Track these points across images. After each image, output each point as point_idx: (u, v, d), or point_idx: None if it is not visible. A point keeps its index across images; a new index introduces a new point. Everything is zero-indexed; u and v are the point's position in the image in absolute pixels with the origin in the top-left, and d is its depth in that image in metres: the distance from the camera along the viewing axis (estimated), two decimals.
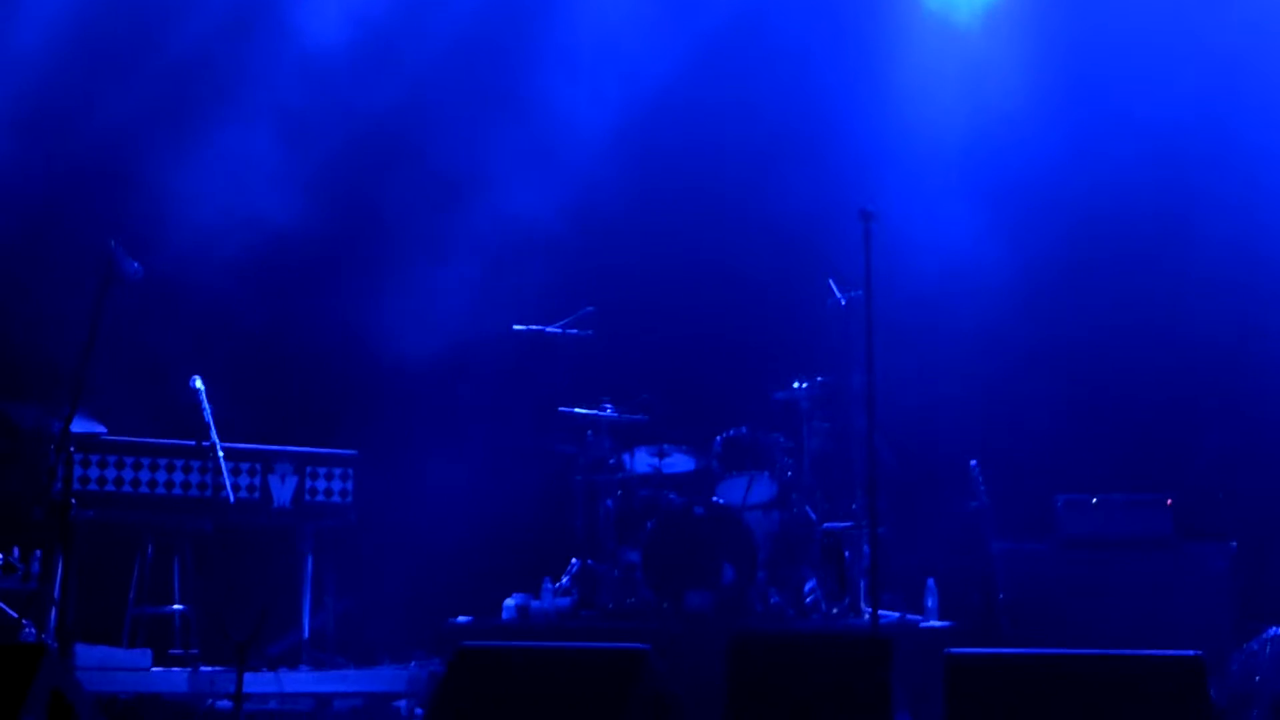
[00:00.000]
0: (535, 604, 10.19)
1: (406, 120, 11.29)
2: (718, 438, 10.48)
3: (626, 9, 11.26)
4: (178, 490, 9.76)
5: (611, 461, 10.51)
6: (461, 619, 10.01)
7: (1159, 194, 11.05)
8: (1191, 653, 6.46)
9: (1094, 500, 10.02)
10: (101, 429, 9.52)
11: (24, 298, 10.38)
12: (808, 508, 10.36)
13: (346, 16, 11.11)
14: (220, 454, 9.57)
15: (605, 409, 10.55)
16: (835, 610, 9.97)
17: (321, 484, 10.14)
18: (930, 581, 9.92)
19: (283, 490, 10.03)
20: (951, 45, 11.21)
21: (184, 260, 10.37)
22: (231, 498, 9.62)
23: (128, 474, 9.70)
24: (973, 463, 10.04)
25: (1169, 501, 9.95)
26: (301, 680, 9.54)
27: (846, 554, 10.09)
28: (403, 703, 9.49)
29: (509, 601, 10.19)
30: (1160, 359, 10.92)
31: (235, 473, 9.80)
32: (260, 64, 10.99)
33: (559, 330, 10.69)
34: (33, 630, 8.82)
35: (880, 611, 8.66)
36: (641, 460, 10.49)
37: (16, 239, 10.59)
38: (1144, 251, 11.10)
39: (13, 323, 10.35)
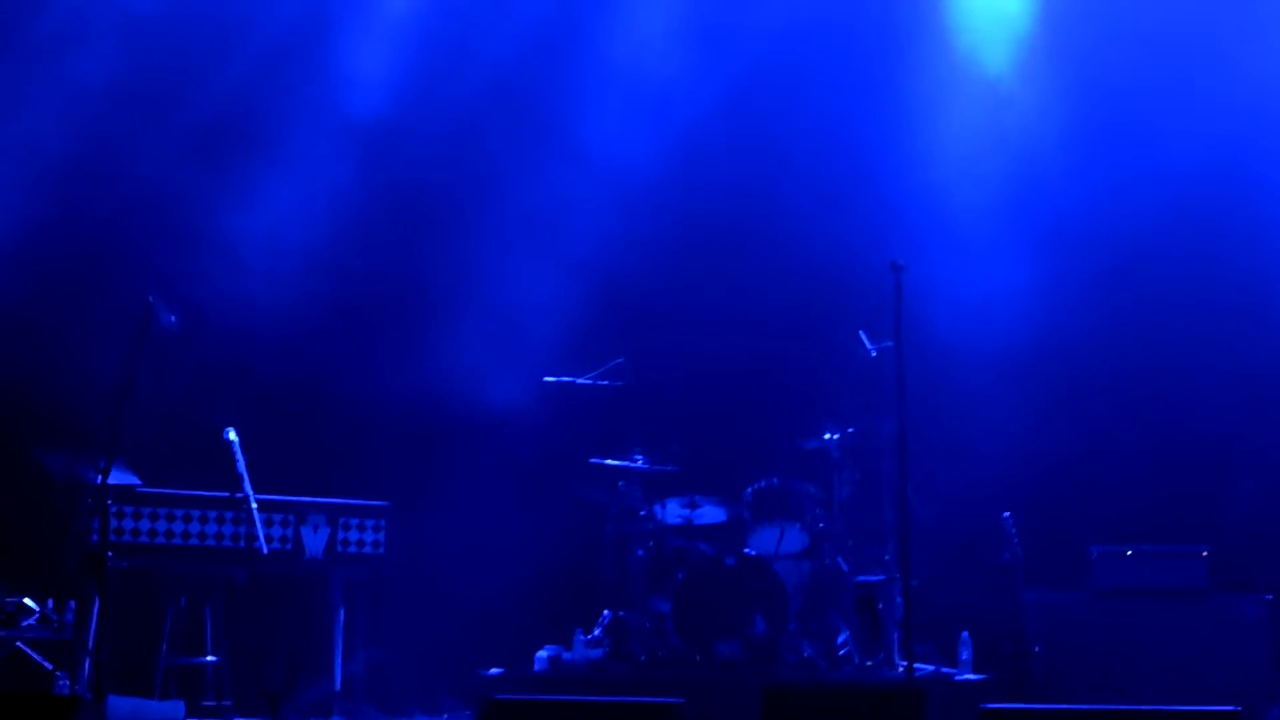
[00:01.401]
0: (567, 655, 10.19)
1: (437, 174, 11.38)
2: (749, 488, 10.46)
3: (660, 59, 11.33)
4: (211, 541, 9.78)
5: (643, 512, 10.51)
6: (493, 670, 10.00)
7: (1190, 243, 11.01)
8: (1231, 708, 6.39)
9: (1128, 551, 9.97)
10: (136, 480, 9.57)
11: (61, 347, 10.45)
12: (839, 558, 10.33)
13: (386, 70, 11.23)
14: (253, 505, 9.60)
15: (636, 459, 10.55)
16: (869, 662, 9.92)
17: (354, 535, 10.16)
18: (964, 634, 9.87)
19: (315, 541, 10.05)
20: (983, 94, 11.24)
21: (219, 313, 10.46)
22: (264, 549, 9.64)
23: (161, 525, 9.74)
24: (1005, 514, 10.00)
25: (1204, 553, 9.89)
26: None
27: (880, 605, 10.05)
28: None
29: (541, 653, 10.18)
30: (1194, 409, 10.87)
31: (268, 524, 9.82)
32: (298, 117, 11.12)
33: (590, 381, 10.72)
34: (66, 681, 8.84)
35: (914, 664, 8.61)
36: (672, 511, 10.49)
37: (55, 289, 10.69)
38: (1175, 300, 11.06)
39: (49, 372, 10.43)
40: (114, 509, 9.27)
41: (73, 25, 10.89)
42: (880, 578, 10.15)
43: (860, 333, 10.30)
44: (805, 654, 9.97)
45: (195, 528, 9.77)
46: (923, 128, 11.16)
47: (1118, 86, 11.16)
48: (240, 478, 9.59)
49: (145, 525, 9.70)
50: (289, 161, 10.98)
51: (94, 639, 8.72)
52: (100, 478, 8.36)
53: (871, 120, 11.28)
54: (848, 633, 10.14)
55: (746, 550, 10.20)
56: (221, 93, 11.09)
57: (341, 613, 10.15)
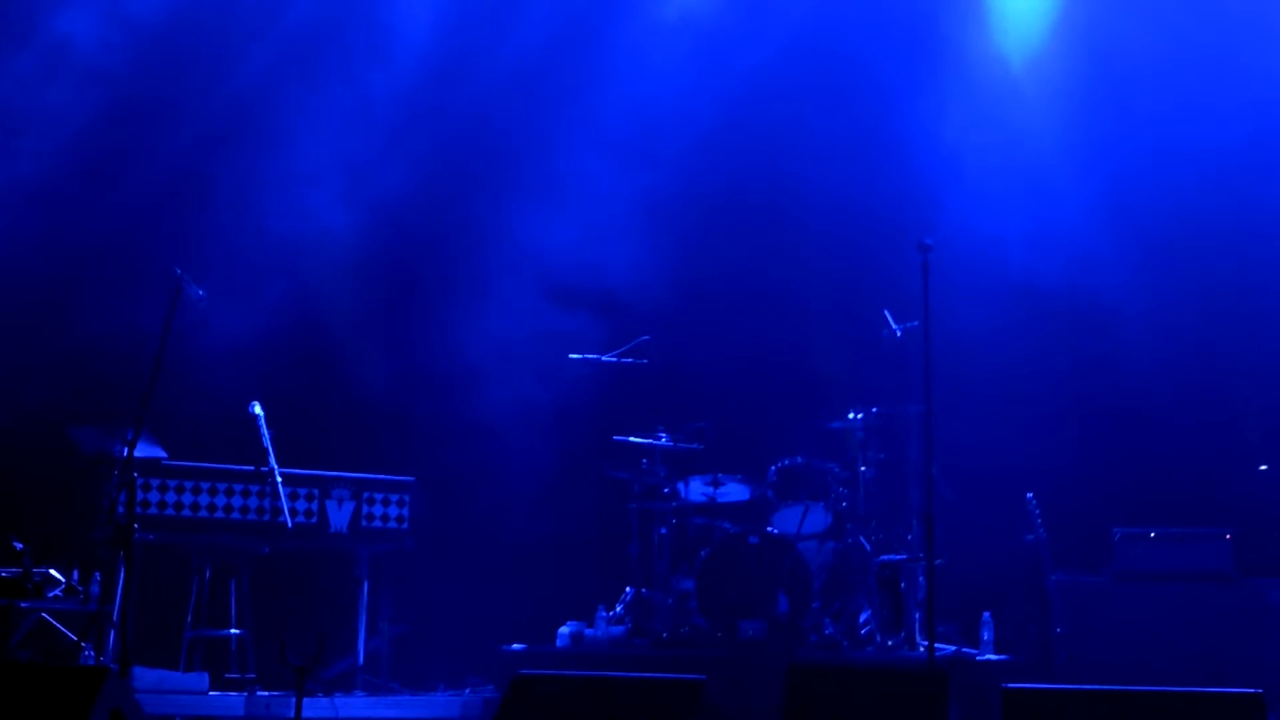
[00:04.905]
0: (589, 631, 10.21)
1: (465, 154, 11.39)
2: (772, 467, 10.46)
3: (692, 35, 11.33)
4: (236, 514, 9.83)
5: (666, 490, 10.52)
6: (516, 646, 10.03)
7: (1213, 223, 10.97)
8: (1252, 690, 6.38)
9: (1152, 534, 9.94)
10: (162, 453, 9.61)
11: (89, 323, 10.51)
12: (862, 538, 10.32)
13: (424, 39, 11.27)
14: (279, 479, 9.65)
15: (660, 437, 10.56)
16: (891, 642, 9.92)
17: (378, 509, 10.21)
18: (986, 614, 9.86)
19: (340, 515, 10.09)
20: (1019, 72, 11.20)
21: (247, 288, 10.49)
22: (289, 522, 9.69)
23: (187, 498, 9.78)
24: (1029, 495, 9.98)
25: (1228, 536, 9.86)
26: (356, 705, 9.60)
27: (902, 585, 10.04)
28: None
29: (563, 629, 10.22)
30: (1221, 390, 10.82)
31: (293, 497, 9.88)
32: (330, 89, 11.15)
33: (615, 359, 10.73)
34: (91, 653, 8.90)
35: (936, 644, 8.61)
36: (696, 489, 10.49)
37: (83, 265, 10.74)
38: (1201, 281, 11.02)
39: (77, 347, 10.48)
40: (140, 481, 9.32)
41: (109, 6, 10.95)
42: (903, 557, 10.14)
43: (885, 313, 10.28)
44: (828, 633, 9.97)
45: (221, 501, 9.81)
46: (957, 105, 11.15)
47: (1157, 62, 11.09)
48: (265, 451, 9.63)
49: (171, 498, 9.75)
50: (321, 137, 11.01)
51: (119, 610, 8.77)
52: (127, 450, 8.41)
53: (904, 99, 11.25)
54: (870, 612, 10.14)
55: (770, 529, 10.20)
56: (252, 69, 11.11)
57: (365, 587, 10.21)
